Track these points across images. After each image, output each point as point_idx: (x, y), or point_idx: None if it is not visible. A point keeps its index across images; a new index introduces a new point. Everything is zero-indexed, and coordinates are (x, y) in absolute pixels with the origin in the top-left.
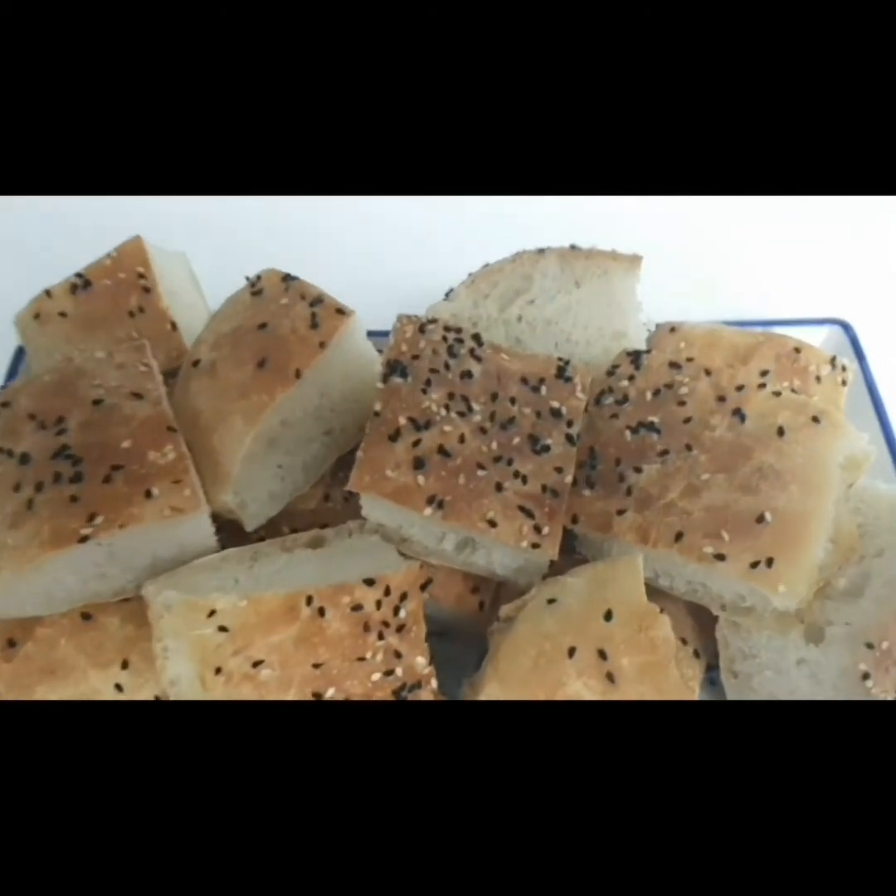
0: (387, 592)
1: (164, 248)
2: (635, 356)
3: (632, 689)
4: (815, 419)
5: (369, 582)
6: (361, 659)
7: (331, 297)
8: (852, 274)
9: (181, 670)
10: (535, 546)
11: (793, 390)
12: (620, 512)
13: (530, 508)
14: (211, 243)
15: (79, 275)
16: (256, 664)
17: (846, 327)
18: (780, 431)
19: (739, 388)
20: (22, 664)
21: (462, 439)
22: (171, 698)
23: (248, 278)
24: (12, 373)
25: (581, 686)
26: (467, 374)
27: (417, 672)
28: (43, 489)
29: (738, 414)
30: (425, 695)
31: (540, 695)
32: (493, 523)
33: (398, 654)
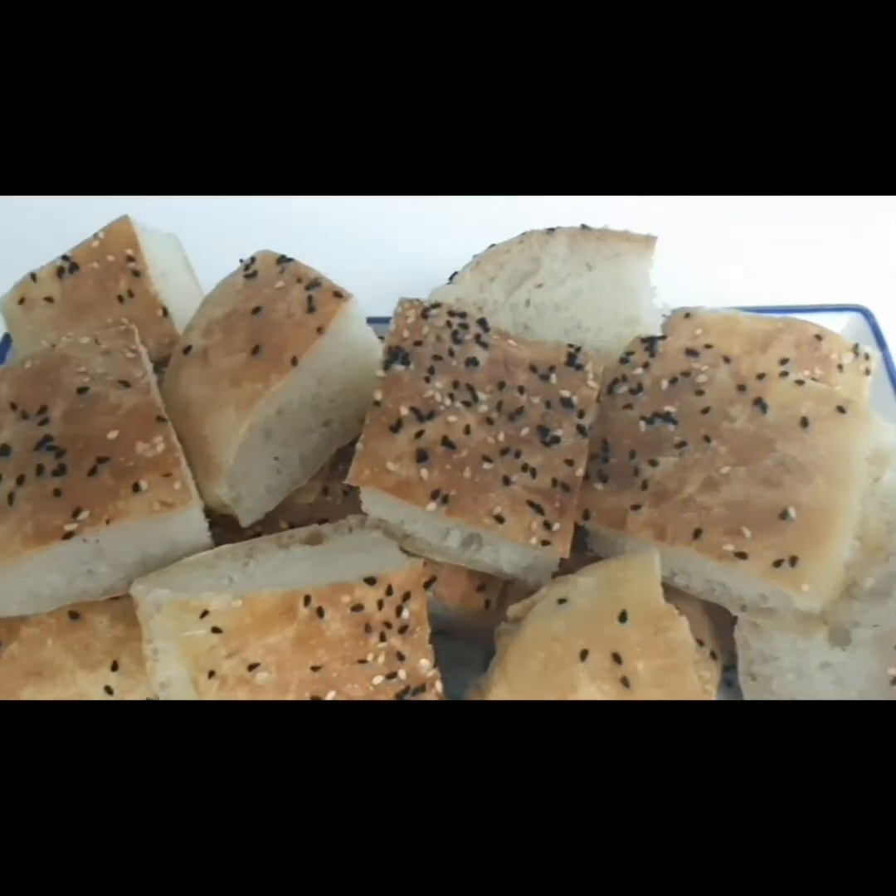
0: (389, 592)
1: (155, 230)
2: (650, 343)
3: (647, 694)
4: (841, 409)
5: (370, 581)
6: (362, 661)
7: (328, 280)
8: (870, 259)
9: (172, 673)
10: (544, 543)
11: (814, 379)
12: (635, 507)
13: (539, 503)
14: (202, 224)
15: (65, 257)
16: (252, 667)
17: (867, 314)
18: (804, 422)
19: (760, 376)
20: (6, 666)
21: (467, 430)
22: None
23: (241, 260)
24: None
25: (594, 691)
26: (473, 362)
27: (421, 675)
28: (24, 482)
29: (760, 404)
30: (429, 698)
31: (550, 699)
32: (500, 519)
33: (401, 657)
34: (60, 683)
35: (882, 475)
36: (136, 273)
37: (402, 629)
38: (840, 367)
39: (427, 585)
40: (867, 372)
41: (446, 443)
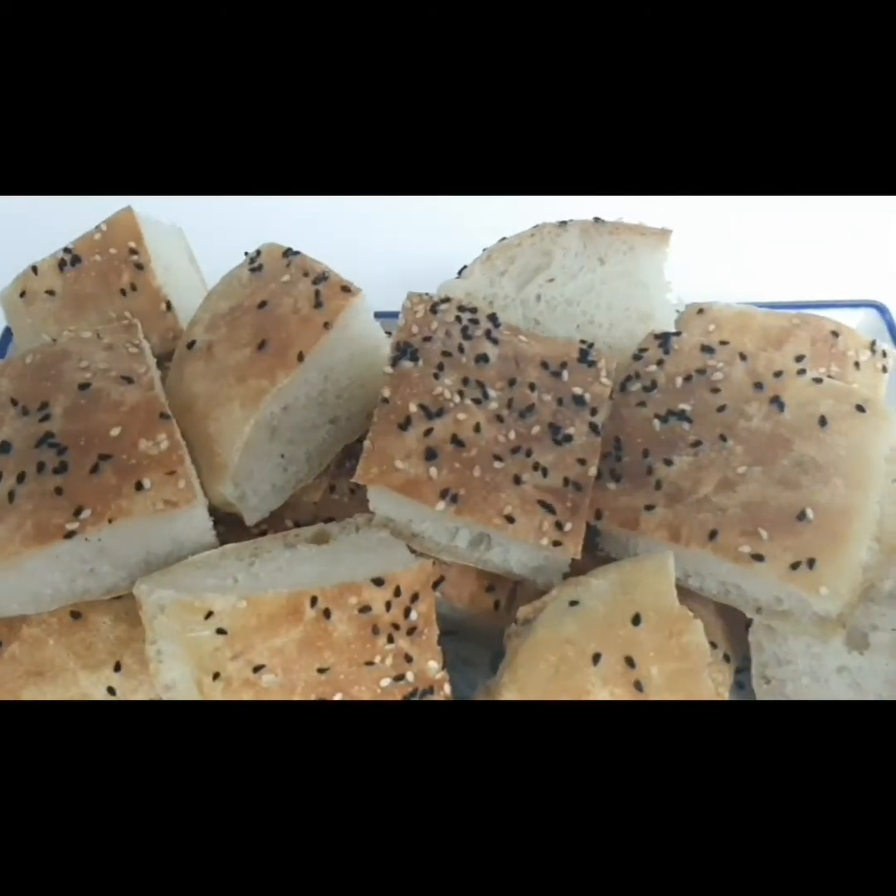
0: (397, 593)
1: (158, 222)
2: (664, 339)
3: (661, 699)
4: (860, 408)
5: (378, 581)
6: (370, 663)
7: (336, 274)
8: (885, 255)
9: (177, 674)
10: (555, 543)
11: (830, 376)
12: (649, 507)
13: (551, 503)
14: (207, 218)
15: (67, 250)
16: (257, 669)
17: (882, 310)
18: (822, 421)
19: (777, 374)
20: (7, 666)
21: (477, 428)
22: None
23: (247, 254)
24: None
25: (607, 695)
26: (483, 358)
27: (430, 677)
28: (25, 480)
29: (777, 402)
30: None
31: None
32: (510, 519)
33: (409, 658)
34: (62, 684)
35: None
36: (140, 266)
37: (411, 631)
38: (857, 364)
39: (435, 586)
40: (884, 369)
41: (455, 441)
